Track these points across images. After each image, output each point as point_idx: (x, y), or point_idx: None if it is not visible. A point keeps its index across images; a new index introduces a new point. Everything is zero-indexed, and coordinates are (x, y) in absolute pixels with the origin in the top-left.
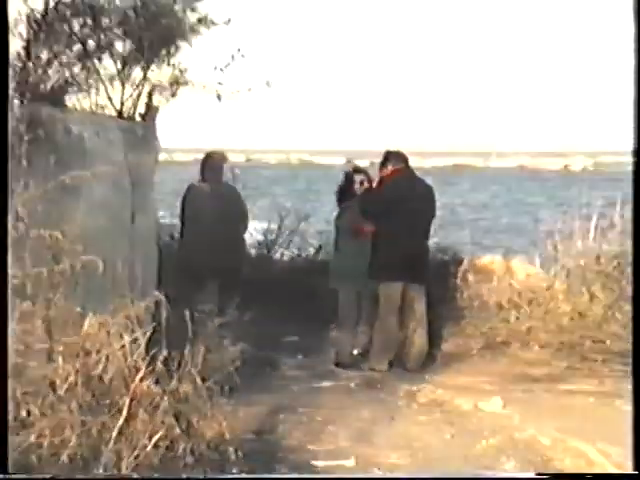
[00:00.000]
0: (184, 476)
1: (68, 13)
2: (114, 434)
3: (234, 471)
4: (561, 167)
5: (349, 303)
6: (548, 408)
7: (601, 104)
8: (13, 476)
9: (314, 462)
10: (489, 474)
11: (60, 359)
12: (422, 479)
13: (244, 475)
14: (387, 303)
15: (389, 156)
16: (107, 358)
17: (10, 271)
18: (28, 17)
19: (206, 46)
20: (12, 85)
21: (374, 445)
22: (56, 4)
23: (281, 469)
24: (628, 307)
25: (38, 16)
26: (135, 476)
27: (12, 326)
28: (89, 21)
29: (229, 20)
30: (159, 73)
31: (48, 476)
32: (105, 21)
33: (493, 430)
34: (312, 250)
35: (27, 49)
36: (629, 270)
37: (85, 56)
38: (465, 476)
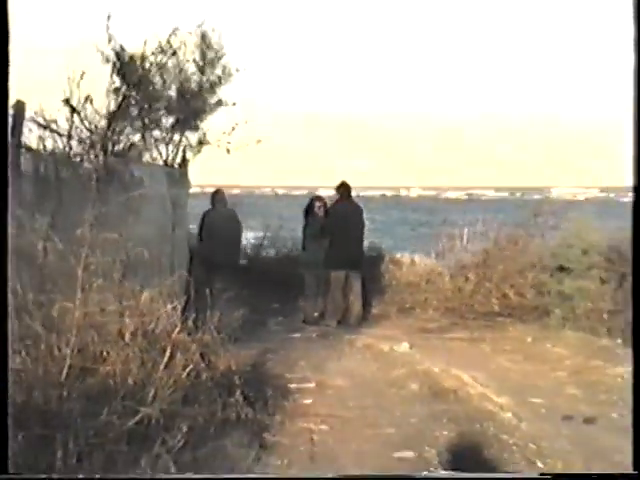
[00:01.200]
0: (184, 476)
1: (134, 102)
2: (161, 367)
3: (237, 394)
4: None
5: (311, 283)
6: (438, 349)
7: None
8: (13, 476)
9: (289, 385)
10: (489, 474)
11: (127, 318)
12: (422, 479)
13: (245, 475)
14: (335, 283)
15: (337, 189)
16: (157, 318)
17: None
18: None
19: (218, 117)
20: (98, 146)
21: (327, 374)
22: (124, 98)
23: (268, 390)
24: (489, 284)
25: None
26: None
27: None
28: (146, 106)
29: (234, 103)
30: (190, 137)
31: (47, 476)
32: (157, 106)
33: (403, 364)
34: (286, 250)
35: (109, 122)
36: (490, 261)
37: (144, 128)
38: (465, 476)
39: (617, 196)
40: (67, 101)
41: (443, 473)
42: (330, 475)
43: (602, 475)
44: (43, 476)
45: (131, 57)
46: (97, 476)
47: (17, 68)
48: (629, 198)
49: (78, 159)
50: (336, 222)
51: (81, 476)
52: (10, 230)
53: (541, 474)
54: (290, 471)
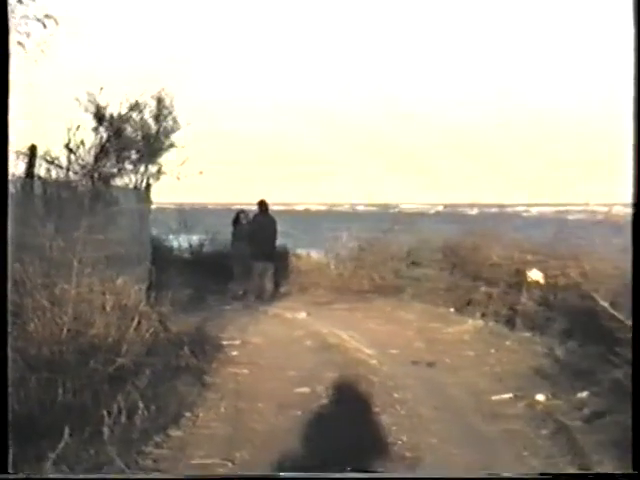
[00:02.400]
0: (184, 476)
1: (113, 144)
2: (131, 330)
3: (185, 349)
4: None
5: (238, 271)
6: (326, 317)
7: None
8: (13, 476)
9: (221, 342)
10: (489, 474)
11: (107, 296)
12: (422, 479)
13: (248, 474)
14: (255, 271)
15: (258, 205)
16: (128, 296)
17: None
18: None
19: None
20: (88, 175)
21: (248, 334)
22: (106, 142)
23: (206, 346)
24: (361, 271)
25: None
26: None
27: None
28: (121, 148)
29: (184, 146)
30: (151, 168)
31: (46, 476)
32: (128, 147)
33: (301, 327)
34: (220, 248)
35: (95, 159)
36: (362, 255)
37: (119, 163)
38: (465, 476)
39: (464, 209)
40: (67, 145)
41: (444, 473)
42: (330, 475)
43: (602, 475)
44: (43, 476)
45: (111, 115)
46: (97, 476)
47: (31, 120)
48: (474, 211)
49: (74, 184)
50: (255, 228)
51: (81, 476)
52: (10, 232)
53: (541, 474)
54: (221, 404)
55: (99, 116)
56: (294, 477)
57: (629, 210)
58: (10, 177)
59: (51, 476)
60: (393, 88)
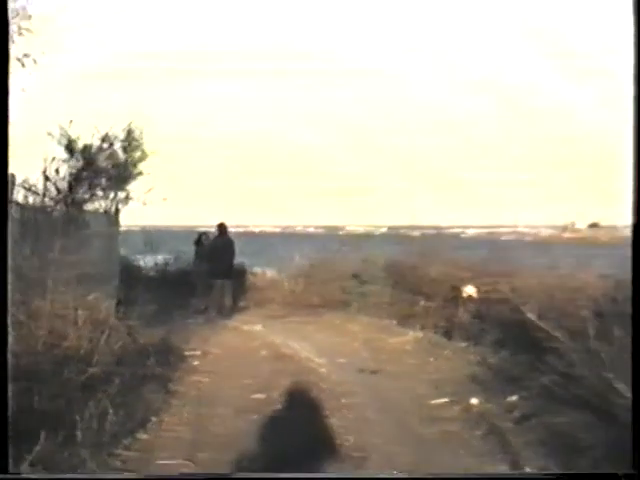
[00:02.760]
0: (184, 475)
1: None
2: (102, 342)
3: (151, 359)
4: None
5: (200, 288)
6: (279, 329)
7: None
8: (13, 476)
9: (185, 353)
10: (489, 474)
11: (80, 311)
12: (422, 479)
13: (246, 475)
14: (215, 288)
15: (218, 227)
16: (100, 311)
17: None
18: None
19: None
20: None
21: (209, 345)
22: (79, 171)
23: (170, 356)
24: (312, 287)
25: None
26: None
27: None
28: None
29: (150, 172)
30: (121, 194)
31: (47, 476)
32: (99, 176)
33: (257, 338)
34: (184, 267)
35: (70, 186)
36: (312, 273)
37: (91, 190)
38: (465, 476)
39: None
40: (44, 173)
41: (444, 473)
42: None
43: (602, 475)
44: (43, 476)
45: (84, 147)
46: (96, 476)
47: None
48: (416, 232)
49: (49, 209)
50: (215, 249)
51: (80, 476)
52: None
53: (544, 474)
54: (184, 410)
55: (70, 148)
56: (292, 477)
57: (555, 232)
58: None
59: (51, 476)
60: (340, 118)
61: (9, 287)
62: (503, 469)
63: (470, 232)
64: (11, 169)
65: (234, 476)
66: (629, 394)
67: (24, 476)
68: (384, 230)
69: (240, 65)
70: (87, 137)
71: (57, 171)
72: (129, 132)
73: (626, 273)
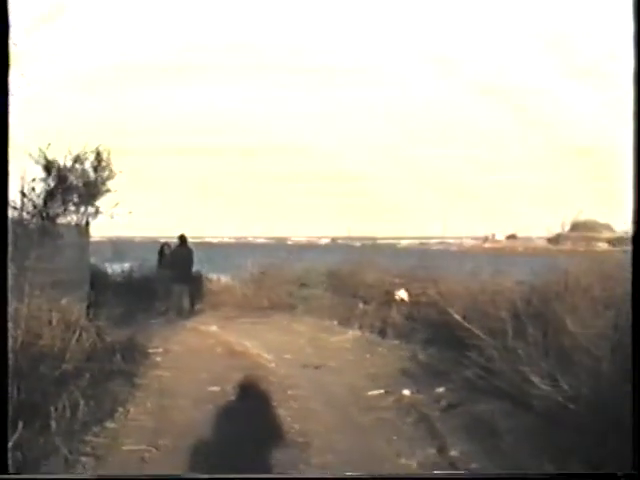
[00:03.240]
0: (184, 476)
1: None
2: (73, 341)
3: (118, 356)
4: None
5: (161, 292)
6: (233, 329)
7: None
8: (13, 476)
9: (148, 350)
10: (489, 474)
11: (54, 313)
12: (422, 479)
13: (246, 475)
14: (175, 292)
15: (179, 238)
16: (72, 313)
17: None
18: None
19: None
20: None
21: (169, 344)
22: (53, 188)
23: (134, 353)
24: (262, 292)
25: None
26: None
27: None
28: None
29: (116, 190)
30: (91, 209)
31: (46, 476)
32: (71, 192)
33: (212, 337)
34: (147, 273)
35: (45, 202)
36: (263, 279)
37: (64, 205)
38: (465, 476)
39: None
40: (22, 192)
41: (444, 473)
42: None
43: (603, 475)
44: (43, 476)
45: (58, 167)
46: (95, 476)
47: None
48: (358, 243)
49: (26, 222)
50: (176, 257)
51: (80, 476)
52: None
53: (545, 474)
54: (148, 401)
55: (47, 168)
56: (303, 477)
57: (477, 242)
58: None
59: (51, 476)
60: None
61: None
62: (431, 452)
63: (403, 242)
64: None
65: (234, 476)
66: (543, 386)
67: (24, 476)
68: (327, 241)
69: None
70: (60, 157)
71: (33, 189)
72: (98, 153)
73: (539, 279)
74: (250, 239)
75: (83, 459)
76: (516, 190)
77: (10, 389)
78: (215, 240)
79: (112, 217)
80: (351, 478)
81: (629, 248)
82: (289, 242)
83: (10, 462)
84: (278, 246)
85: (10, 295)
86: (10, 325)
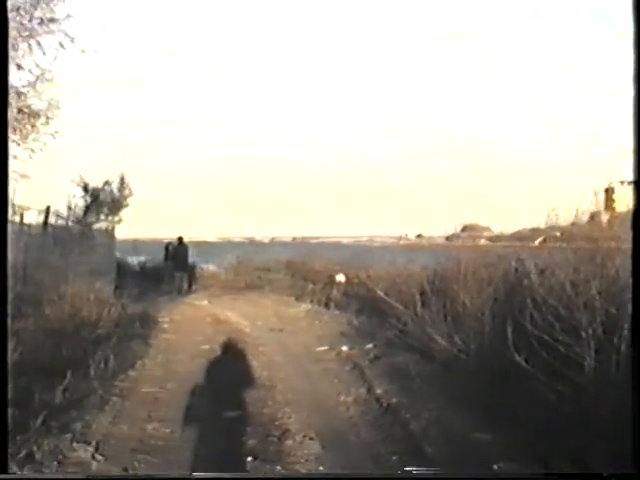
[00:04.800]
0: (184, 476)
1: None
2: (104, 314)
3: (136, 323)
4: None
5: (167, 277)
6: (219, 303)
7: None
8: (13, 476)
9: (158, 319)
10: (489, 474)
11: (90, 294)
12: (421, 479)
13: (244, 475)
14: (177, 277)
15: (177, 239)
16: (103, 293)
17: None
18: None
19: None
20: (78, 223)
21: (173, 314)
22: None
23: (148, 322)
24: (239, 277)
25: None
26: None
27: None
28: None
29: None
30: (115, 218)
31: (46, 476)
32: (102, 208)
33: (203, 310)
34: (158, 264)
35: (84, 214)
36: (238, 267)
37: (97, 215)
38: (466, 476)
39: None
40: (68, 206)
41: (443, 473)
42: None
43: (601, 475)
44: (43, 476)
45: (93, 189)
46: (96, 476)
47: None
48: (317, 240)
49: (70, 228)
50: (176, 252)
51: (80, 476)
52: (33, 257)
53: (546, 474)
54: (158, 356)
55: (86, 190)
56: (303, 477)
57: (395, 240)
58: (34, 223)
59: (51, 476)
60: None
61: (45, 277)
62: (362, 391)
63: (344, 241)
64: (47, 204)
65: (234, 476)
66: (443, 342)
67: (24, 476)
68: (287, 239)
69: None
70: (94, 182)
71: (76, 205)
72: (122, 179)
73: (440, 266)
74: (230, 239)
75: (113, 398)
76: (423, 200)
77: (61, 347)
78: (204, 239)
79: (131, 224)
80: (351, 478)
81: (504, 243)
82: (257, 240)
83: (59, 401)
84: (250, 244)
85: (59, 280)
86: (60, 302)
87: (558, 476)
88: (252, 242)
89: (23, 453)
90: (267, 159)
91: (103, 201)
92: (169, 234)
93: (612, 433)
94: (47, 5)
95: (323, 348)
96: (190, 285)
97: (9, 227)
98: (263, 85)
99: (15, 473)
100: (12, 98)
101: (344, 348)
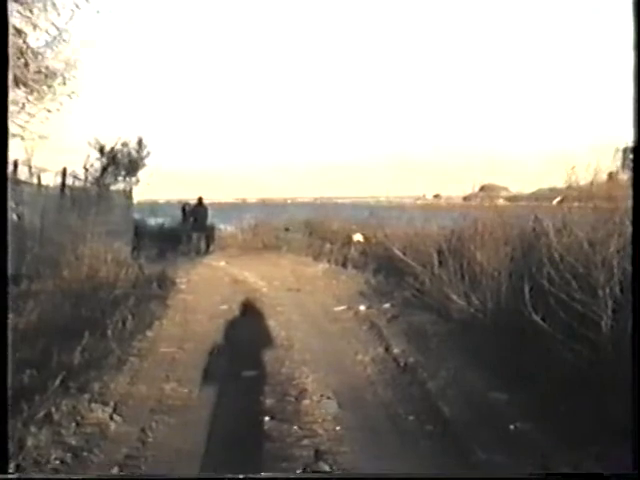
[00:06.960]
0: (184, 476)
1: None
2: (121, 274)
3: (154, 284)
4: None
5: (185, 238)
6: (236, 264)
7: None
8: (13, 476)
9: (175, 279)
10: (489, 474)
11: (108, 254)
12: (421, 479)
13: (244, 475)
14: (195, 237)
15: (197, 199)
16: (121, 254)
17: (91, 229)
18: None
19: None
20: (95, 185)
21: (190, 275)
22: (106, 166)
23: (166, 282)
24: (257, 237)
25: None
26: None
27: (91, 245)
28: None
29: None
30: (133, 179)
31: (46, 476)
32: (120, 169)
33: (221, 270)
34: (175, 225)
35: (101, 175)
36: (256, 228)
37: (114, 176)
38: (465, 476)
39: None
40: (85, 168)
41: (443, 473)
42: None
43: (601, 475)
44: (43, 476)
45: (111, 148)
46: (95, 476)
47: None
48: (342, 200)
49: (88, 189)
50: (195, 213)
51: (80, 476)
52: (52, 218)
53: (547, 474)
54: (176, 316)
55: (102, 151)
56: (302, 477)
57: (412, 200)
58: (51, 185)
59: (51, 476)
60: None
61: (64, 238)
62: (380, 350)
63: (358, 202)
64: (63, 165)
65: (234, 476)
66: (460, 302)
67: (24, 476)
68: (305, 200)
69: None
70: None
71: (92, 165)
72: (139, 140)
73: (457, 225)
74: (248, 200)
75: (131, 359)
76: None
77: (79, 308)
78: (222, 201)
79: (148, 184)
80: (351, 478)
81: (522, 203)
82: (274, 202)
83: (77, 362)
84: (267, 205)
85: (77, 241)
86: (78, 262)
87: (558, 476)
88: (268, 203)
89: (41, 414)
90: (287, 121)
91: (120, 162)
92: (187, 196)
93: (629, 392)
94: None
95: (341, 308)
96: (208, 246)
97: (27, 189)
98: (281, 36)
99: (14, 473)
100: (30, 58)
101: (362, 307)
